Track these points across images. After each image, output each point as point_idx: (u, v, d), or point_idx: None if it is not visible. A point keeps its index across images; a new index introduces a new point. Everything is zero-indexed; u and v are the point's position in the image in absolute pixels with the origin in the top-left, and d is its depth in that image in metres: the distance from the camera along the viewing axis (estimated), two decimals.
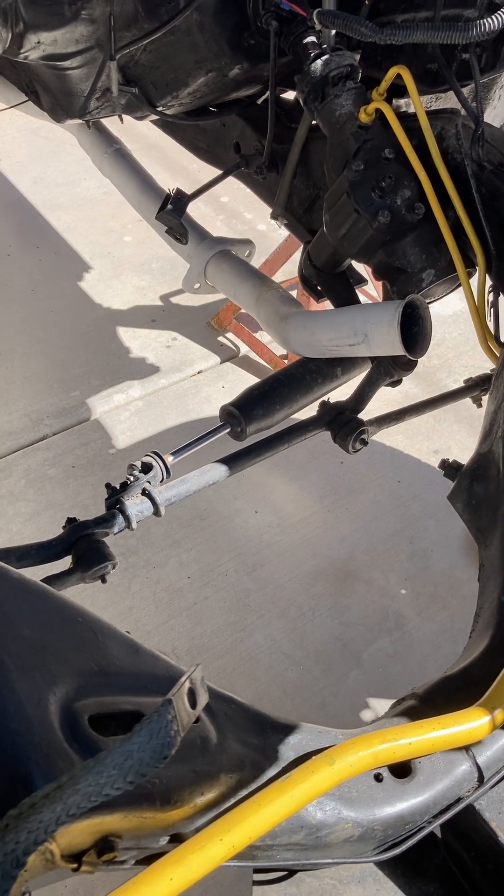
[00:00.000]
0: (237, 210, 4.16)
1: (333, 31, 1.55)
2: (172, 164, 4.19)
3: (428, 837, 1.05)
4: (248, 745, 0.95)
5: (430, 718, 0.98)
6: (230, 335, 3.43)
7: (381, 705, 2.18)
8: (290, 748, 0.98)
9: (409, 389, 3.24)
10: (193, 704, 0.76)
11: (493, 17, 1.27)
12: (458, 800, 1.03)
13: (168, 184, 2.53)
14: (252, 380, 3.23)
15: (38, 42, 1.59)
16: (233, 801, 0.88)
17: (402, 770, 1.01)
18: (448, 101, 1.87)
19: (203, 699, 0.78)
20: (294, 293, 2.88)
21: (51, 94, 1.89)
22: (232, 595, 2.46)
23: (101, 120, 2.29)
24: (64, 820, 0.64)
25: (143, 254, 3.78)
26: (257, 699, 2.20)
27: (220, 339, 3.42)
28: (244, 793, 0.90)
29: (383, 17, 1.73)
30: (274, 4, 1.52)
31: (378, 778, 0.99)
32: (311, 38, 1.59)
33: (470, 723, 0.99)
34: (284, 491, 2.82)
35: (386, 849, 1.02)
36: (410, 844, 1.01)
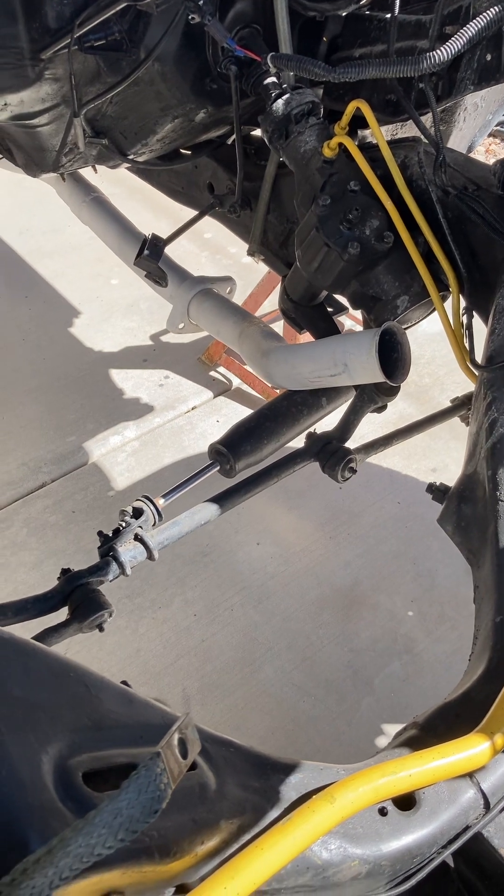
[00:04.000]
0: (221, 245, 4.21)
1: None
2: (156, 205, 4.25)
3: (441, 868, 1.04)
4: (249, 788, 0.94)
5: (430, 748, 0.98)
6: (222, 369, 3.45)
7: (396, 731, 2.16)
8: (291, 788, 0.98)
9: (404, 409, 3.26)
10: (185, 754, 0.76)
11: (442, 48, 1.30)
12: (466, 828, 1.02)
13: (152, 225, 2.57)
14: (246, 411, 3.24)
15: (6, 104, 1.63)
16: (235, 847, 0.88)
17: (406, 802, 1.00)
18: (414, 127, 1.91)
19: (194, 748, 0.77)
20: (280, 324, 2.90)
21: (23, 151, 1.93)
22: (239, 630, 2.45)
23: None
24: (57, 884, 0.64)
25: (130, 295, 3.82)
26: (270, 734, 2.19)
27: (212, 373, 3.45)
28: (246, 838, 0.89)
29: (342, 52, 1.77)
30: (231, 51, 1.55)
31: (383, 812, 0.98)
32: (272, 79, 1.62)
33: (470, 749, 0.98)
34: (285, 520, 2.82)
35: (397, 883, 1.01)
36: (421, 877, 1.00)
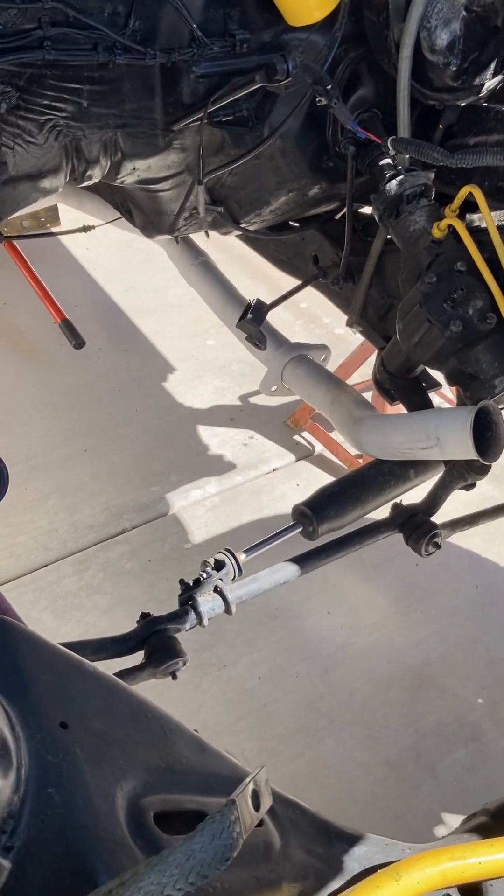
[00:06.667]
0: (315, 315, 4.29)
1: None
2: (256, 272, 4.38)
3: None
4: (313, 853, 0.93)
5: (502, 837, 0.95)
6: (306, 434, 3.49)
7: (457, 820, 2.08)
8: (355, 860, 0.96)
9: (487, 491, 3.21)
10: (257, 807, 0.76)
11: None
12: None
13: (252, 291, 2.68)
14: (327, 478, 3.26)
15: (134, 168, 1.74)
16: None
17: (472, 891, 0.97)
18: None
19: (267, 802, 0.78)
20: (369, 395, 2.93)
21: (143, 213, 2.04)
22: (303, 698, 2.42)
23: None
24: None
25: (224, 357, 3.92)
26: (327, 808, 2.11)
27: (296, 437, 3.48)
28: None
29: (456, 140, 1.83)
30: (351, 132, 1.63)
31: None
32: (387, 161, 1.69)
33: None
34: (358, 592, 2.79)
35: None
36: None
